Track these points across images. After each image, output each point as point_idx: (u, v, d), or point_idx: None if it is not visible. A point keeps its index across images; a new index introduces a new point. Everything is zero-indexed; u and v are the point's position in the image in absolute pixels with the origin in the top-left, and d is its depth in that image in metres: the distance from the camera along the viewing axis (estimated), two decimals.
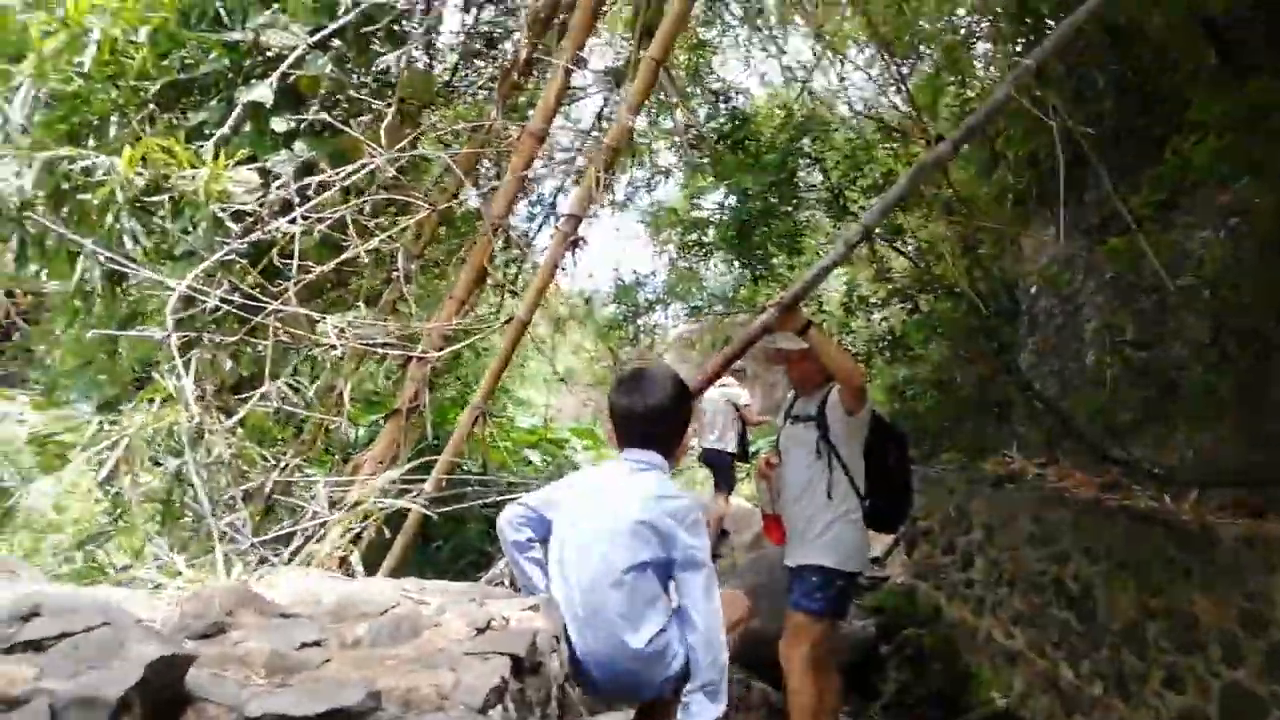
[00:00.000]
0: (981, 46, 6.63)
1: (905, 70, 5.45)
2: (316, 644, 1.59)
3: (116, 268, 3.92)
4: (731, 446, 9.05)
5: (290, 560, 3.87)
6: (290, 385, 4.12)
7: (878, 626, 7.36)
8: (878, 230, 5.24)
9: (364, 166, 3.68)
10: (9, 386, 8.43)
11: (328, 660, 1.47)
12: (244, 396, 4.07)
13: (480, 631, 1.76)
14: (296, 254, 3.53)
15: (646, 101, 6.37)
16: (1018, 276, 7.42)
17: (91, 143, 4.20)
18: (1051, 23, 5.24)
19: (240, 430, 4.09)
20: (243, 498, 3.76)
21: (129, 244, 3.97)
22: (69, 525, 6.32)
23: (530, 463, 8.24)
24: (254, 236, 3.59)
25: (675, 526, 2.59)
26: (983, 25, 6.45)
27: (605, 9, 4.80)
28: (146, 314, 4.36)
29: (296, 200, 3.61)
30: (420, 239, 4.30)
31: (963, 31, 6.42)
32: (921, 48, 6.38)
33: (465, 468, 3.93)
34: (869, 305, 5.90)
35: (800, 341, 3.99)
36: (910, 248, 5.66)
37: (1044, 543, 5.90)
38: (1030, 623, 5.96)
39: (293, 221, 3.72)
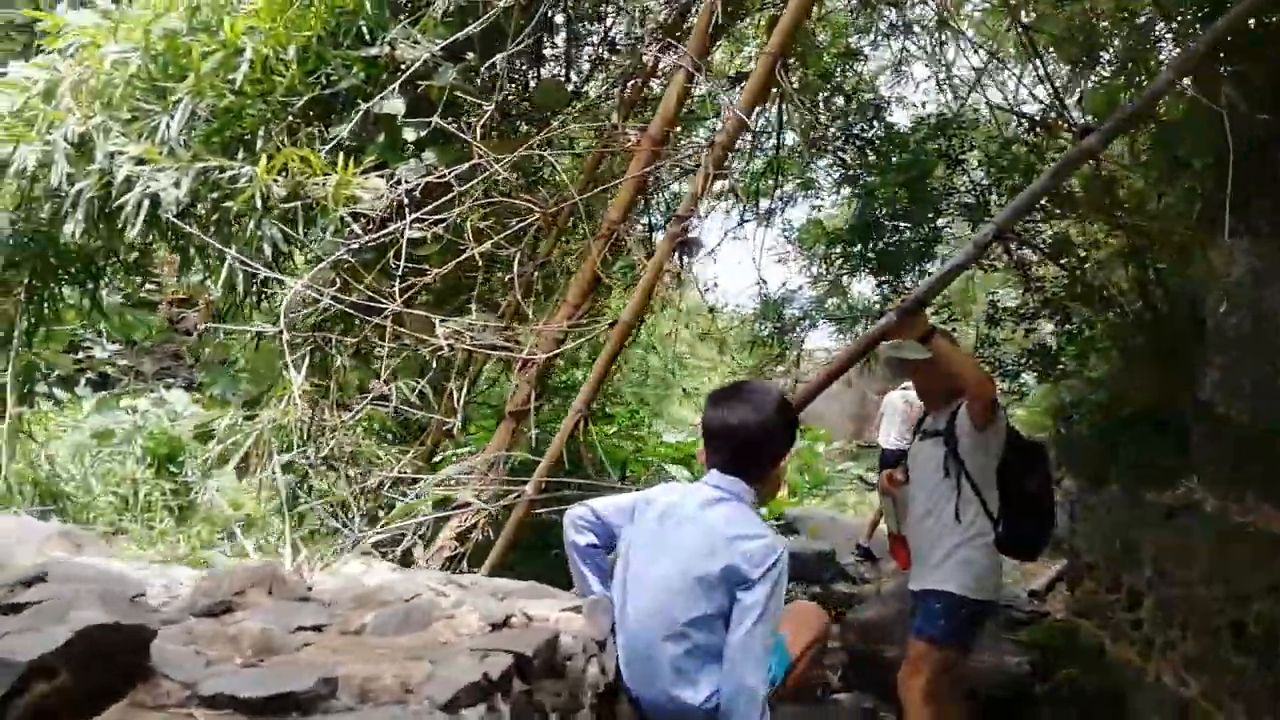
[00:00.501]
0: (1165, 51, 6.07)
1: (1051, 66, 4.99)
2: (316, 629, 1.55)
3: (256, 272, 4.11)
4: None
5: (399, 557, 3.93)
6: (408, 386, 4.20)
7: (1033, 664, 6.81)
8: (1028, 237, 4.86)
9: (475, 170, 3.71)
10: (193, 390, 9.10)
11: (307, 645, 1.42)
12: (369, 397, 4.18)
13: (496, 627, 1.67)
14: (404, 255, 3.59)
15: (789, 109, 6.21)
16: (1202, 290, 6.74)
17: (240, 155, 4.42)
18: None
19: (361, 429, 4.20)
20: (359, 494, 3.85)
21: (268, 250, 4.16)
22: (240, 517, 6.67)
23: (673, 476, 8.17)
24: (370, 239, 3.67)
25: (748, 570, 2.31)
26: (1163, 26, 5.91)
27: (735, 10, 4.70)
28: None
29: (408, 204, 3.67)
30: (539, 244, 4.31)
31: (1141, 31, 5.90)
32: (1099, 52, 5.89)
33: (576, 473, 3.87)
34: (1018, 316, 5.41)
35: (923, 350, 3.72)
36: (1068, 259, 5.18)
37: (1223, 581, 5.28)
38: (1205, 669, 5.34)
39: (409, 225, 3.78)
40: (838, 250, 6.27)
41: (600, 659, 2.06)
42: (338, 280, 3.69)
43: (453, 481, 3.97)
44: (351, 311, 3.72)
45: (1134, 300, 5.26)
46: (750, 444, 2.50)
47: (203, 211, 4.44)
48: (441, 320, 3.64)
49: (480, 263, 3.91)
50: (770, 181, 6.96)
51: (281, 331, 3.22)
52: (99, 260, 5.03)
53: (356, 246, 3.63)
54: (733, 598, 2.31)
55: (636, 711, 2.36)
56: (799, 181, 7.69)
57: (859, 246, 6.08)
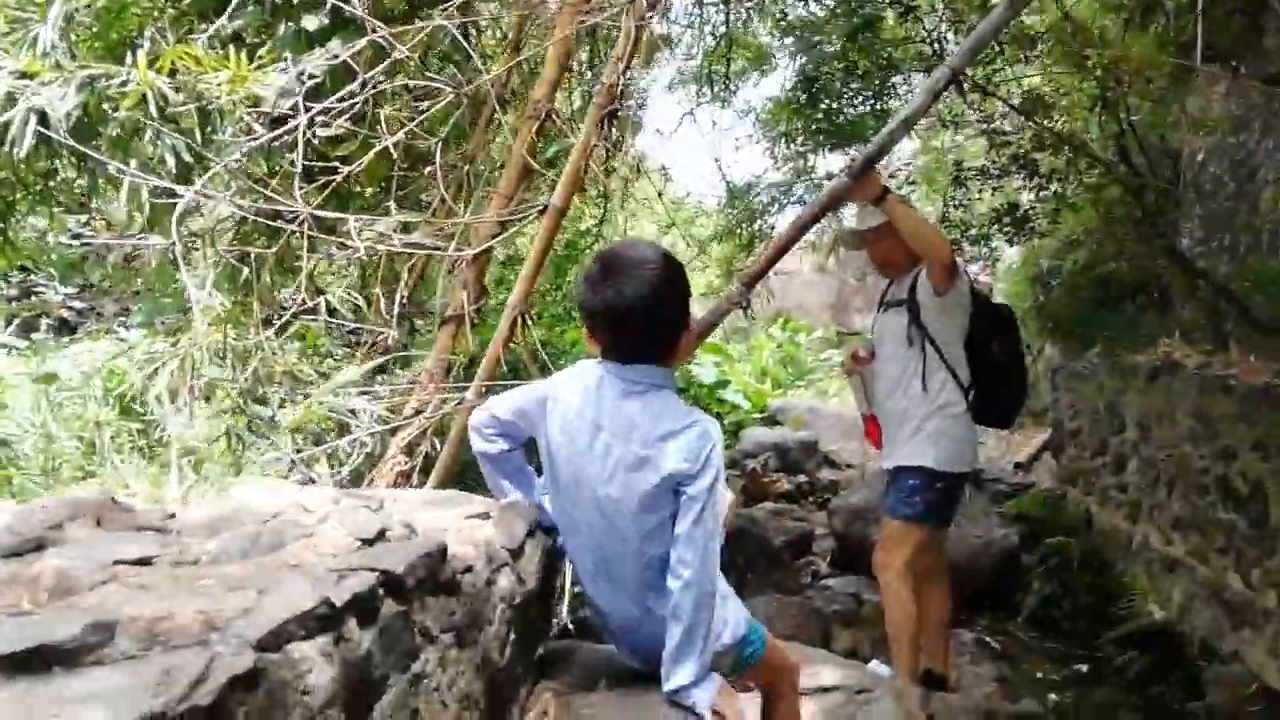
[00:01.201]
0: None
1: None
2: (142, 562, 1.29)
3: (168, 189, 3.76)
4: None
5: (349, 478, 3.69)
6: (339, 298, 3.90)
7: (1020, 536, 6.71)
8: (991, 88, 4.48)
9: (381, 54, 3.34)
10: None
11: (107, 582, 1.16)
12: (298, 310, 3.88)
13: (367, 543, 1.42)
14: (310, 154, 3.24)
15: None
16: (1178, 139, 6.42)
17: (131, 60, 4.02)
18: None
19: (301, 348, 3.92)
20: (289, 414, 3.58)
21: (170, 162, 3.80)
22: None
23: None
24: (268, 137, 3.32)
25: (687, 468, 2.01)
26: None
27: None
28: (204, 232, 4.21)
29: (305, 101, 3.30)
30: (465, 136, 3.96)
31: None
32: None
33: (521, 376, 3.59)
34: (984, 175, 5.05)
35: (879, 214, 3.44)
36: (1036, 109, 4.76)
37: (1207, 439, 5.11)
38: (1192, 527, 5.22)
39: (314, 119, 3.43)
40: (797, 126, 5.86)
41: (516, 568, 1.81)
42: (234, 186, 3.35)
43: (388, 393, 3.71)
44: (260, 219, 3.39)
45: (1108, 152, 4.94)
46: (650, 324, 2.08)
47: (100, 128, 4.06)
48: (356, 219, 3.31)
49: (396, 156, 3.57)
50: (722, 59, 6.53)
51: (174, 243, 2.89)
52: (4, 193, 4.65)
53: (252, 148, 3.28)
54: (677, 495, 2.03)
55: (606, 624, 2.16)
56: (752, 57, 7.24)
57: (810, 112, 5.66)
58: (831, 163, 7.11)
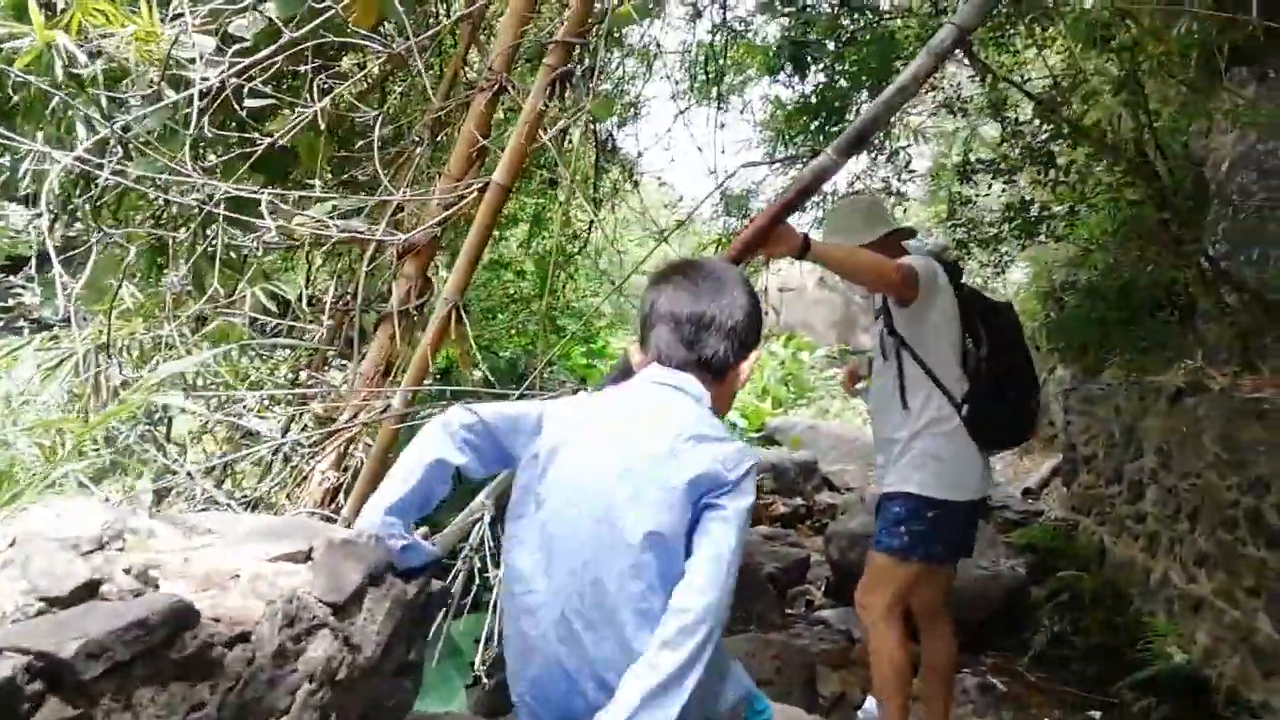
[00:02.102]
0: None
1: None
2: None
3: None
4: None
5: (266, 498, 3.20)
6: (266, 291, 3.42)
7: (1028, 568, 6.16)
8: (1004, 73, 3.97)
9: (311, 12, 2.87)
10: None
11: None
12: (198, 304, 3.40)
13: (54, 603, 0.93)
14: (195, 119, 2.76)
15: None
16: (1204, 149, 5.91)
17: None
18: None
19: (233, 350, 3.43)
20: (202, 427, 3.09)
21: (82, 133, 3.33)
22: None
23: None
24: (166, 103, 2.84)
25: (724, 473, 1.65)
26: None
27: None
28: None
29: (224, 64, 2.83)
30: (409, 110, 3.48)
31: None
32: None
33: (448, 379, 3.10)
34: (996, 170, 4.49)
35: (860, 230, 3.12)
36: (1054, 93, 4.21)
37: (1235, 467, 4.57)
38: (1218, 564, 4.67)
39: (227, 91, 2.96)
40: (810, 126, 5.32)
41: (342, 630, 1.30)
42: (125, 152, 2.86)
43: (322, 399, 3.22)
44: (164, 197, 2.91)
45: (1129, 151, 4.42)
46: (718, 333, 1.83)
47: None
48: (271, 196, 2.83)
49: (340, 133, 3.10)
50: (716, 60, 6.04)
51: (41, 214, 2.41)
52: None
53: (152, 112, 2.80)
54: (696, 515, 1.65)
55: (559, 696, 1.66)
56: (750, 53, 6.76)
57: (820, 121, 5.18)
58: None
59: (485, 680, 2.62)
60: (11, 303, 10.51)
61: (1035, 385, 3.33)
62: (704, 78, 6.76)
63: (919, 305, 3.15)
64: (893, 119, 4.54)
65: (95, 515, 1.35)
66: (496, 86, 3.25)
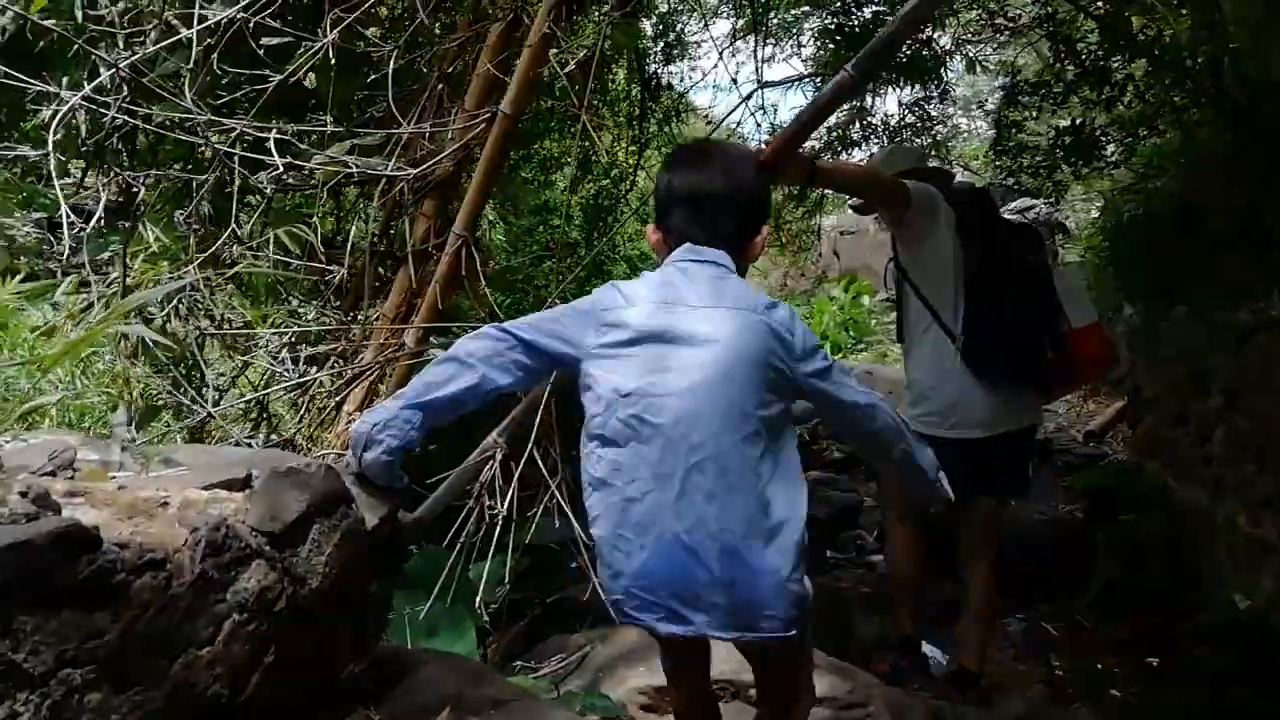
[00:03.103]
0: None
1: None
2: None
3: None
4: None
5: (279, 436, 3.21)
6: (294, 233, 3.39)
7: (1087, 511, 5.95)
8: None
9: None
10: None
11: None
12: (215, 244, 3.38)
13: None
14: (194, 57, 2.70)
15: None
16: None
17: None
18: None
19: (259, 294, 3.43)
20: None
21: (104, 75, 3.31)
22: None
23: None
24: (172, 40, 2.79)
25: (795, 340, 1.82)
26: None
27: None
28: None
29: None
30: (426, 45, 3.37)
31: None
32: None
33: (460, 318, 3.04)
34: (1046, 92, 4.13)
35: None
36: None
37: None
38: None
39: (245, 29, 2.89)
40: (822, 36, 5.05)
41: (282, 560, 1.24)
42: (148, 94, 2.81)
43: (347, 339, 3.20)
44: (171, 133, 2.88)
45: (1199, 75, 4.08)
46: (738, 209, 1.96)
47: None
48: (281, 135, 2.78)
49: (348, 65, 3.02)
50: None
51: (47, 154, 2.40)
52: None
53: (154, 52, 2.76)
54: (781, 390, 1.81)
55: (681, 569, 1.71)
56: None
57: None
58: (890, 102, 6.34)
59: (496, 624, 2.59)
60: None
61: (1050, 323, 3.10)
62: (750, 8, 6.51)
63: (916, 231, 3.07)
64: (938, 43, 4.31)
65: (58, 447, 1.32)
66: (511, 15, 3.14)
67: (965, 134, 10.51)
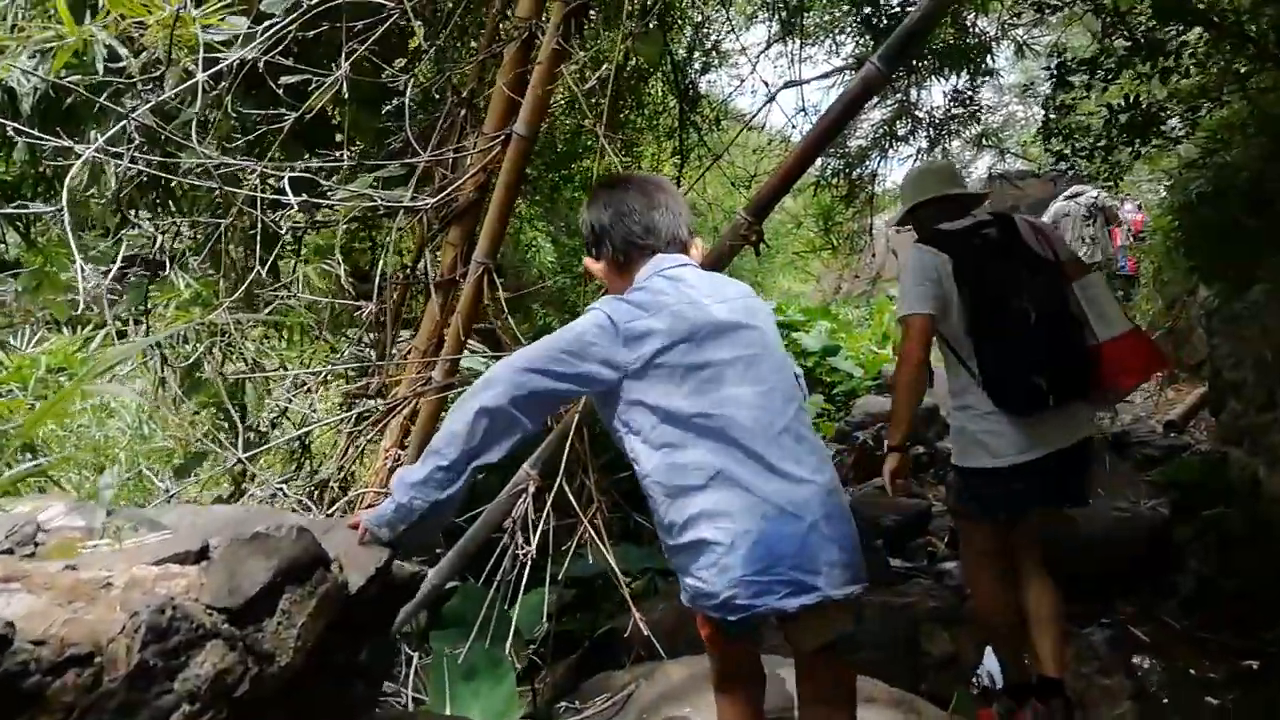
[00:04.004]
0: None
1: None
2: None
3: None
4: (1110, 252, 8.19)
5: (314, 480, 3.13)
6: (318, 271, 3.34)
7: (1172, 506, 5.59)
8: None
9: None
10: None
11: None
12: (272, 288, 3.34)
13: None
14: (205, 101, 2.64)
15: None
16: None
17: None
18: None
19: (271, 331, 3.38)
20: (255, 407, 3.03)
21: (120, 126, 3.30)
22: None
23: None
24: (185, 85, 2.74)
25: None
26: None
27: None
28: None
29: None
30: (442, 71, 3.29)
31: None
32: None
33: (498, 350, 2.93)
34: (1096, 68, 3.80)
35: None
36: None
37: None
38: None
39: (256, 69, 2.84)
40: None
41: (246, 638, 1.11)
42: (135, 139, 2.77)
43: (369, 376, 3.12)
44: (176, 178, 2.83)
45: (1261, 32, 3.75)
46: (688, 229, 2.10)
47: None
48: (294, 167, 2.71)
49: (368, 97, 2.97)
50: None
51: (61, 210, 2.35)
52: None
53: (171, 96, 2.71)
54: None
55: (790, 538, 1.78)
56: None
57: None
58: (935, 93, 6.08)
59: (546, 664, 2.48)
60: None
61: (1069, 342, 3.07)
62: (785, 10, 6.34)
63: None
64: (981, 29, 4.08)
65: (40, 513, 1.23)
66: (525, 34, 3.03)
67: (1022, 121, 10.12)
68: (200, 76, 2.93)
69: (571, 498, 2.50)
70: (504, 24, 3.39)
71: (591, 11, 2.69)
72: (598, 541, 2.48)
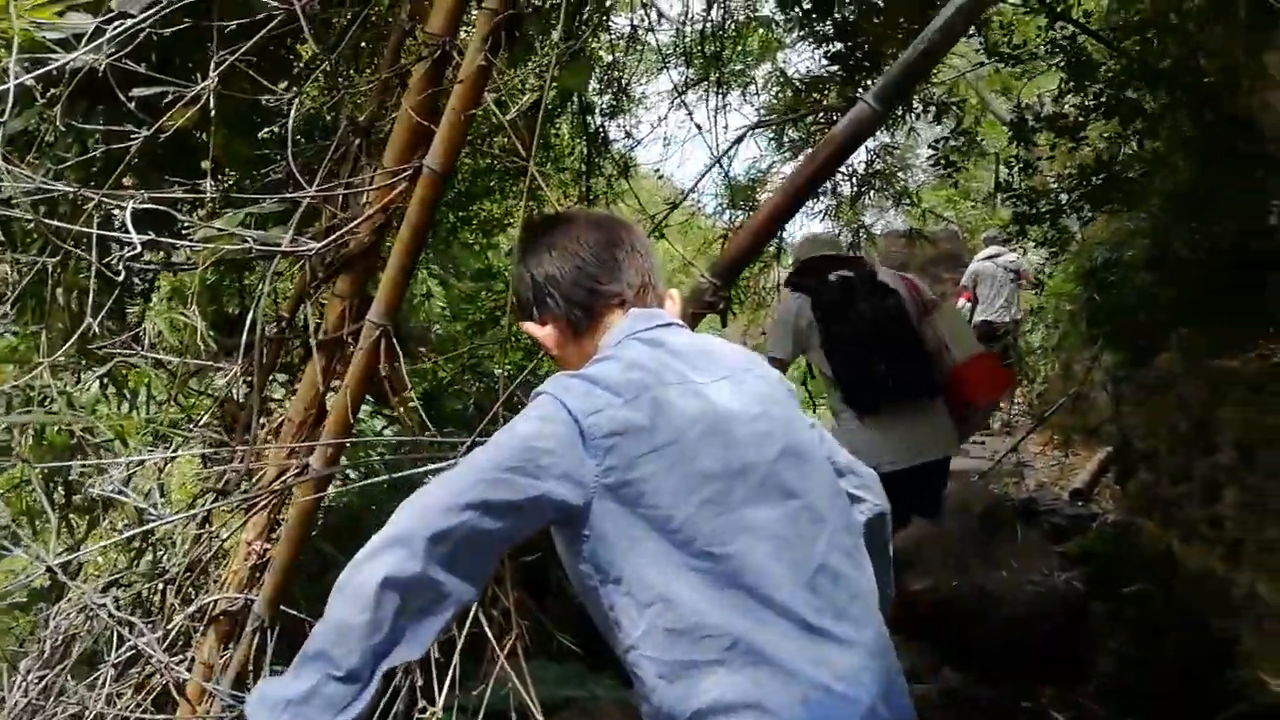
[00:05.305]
0: None
1: None
2: None
3: None
4: (1019, 315, 8.57)
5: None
6: (175, 322, 2.74)
7: (1086, 580, 5.41)
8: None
9: None
10: None
11: None
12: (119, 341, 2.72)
13: None
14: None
15: None
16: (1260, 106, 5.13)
17: None
18: None
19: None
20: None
21: None
22: None
23: None
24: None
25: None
26: None
27: None
28: None
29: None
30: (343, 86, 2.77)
31: None
32: None
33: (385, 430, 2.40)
34: (1059, 127, 3.68)
35: None
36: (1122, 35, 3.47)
37: None
38: None
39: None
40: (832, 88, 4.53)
41: None
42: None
43: (238, 453, 2.55)
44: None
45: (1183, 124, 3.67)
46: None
47: None
48: (141, 197, 2.15)
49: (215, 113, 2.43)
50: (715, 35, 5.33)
51: None
52: None
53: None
54: None
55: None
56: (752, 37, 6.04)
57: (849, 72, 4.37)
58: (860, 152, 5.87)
59: None
60: None
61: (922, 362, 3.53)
62: (702, 58, 6.05)
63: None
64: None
65: None
66: (438, 53, 2.55)
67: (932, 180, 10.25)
68: (23, 79, 2.34)
69: (485, 621, 1.99)
70: (410, 41, 2.90)
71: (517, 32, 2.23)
72: (513, 677, 1.98)
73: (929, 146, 4.46)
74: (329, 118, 2.82)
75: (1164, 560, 5.17)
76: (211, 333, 2.63)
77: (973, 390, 3.59)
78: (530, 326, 1.51)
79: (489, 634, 1.89)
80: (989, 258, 8.41)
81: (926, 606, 5.12)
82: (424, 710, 1.71)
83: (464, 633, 1.79)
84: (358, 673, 1.11)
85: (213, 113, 2.34)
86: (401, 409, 2.21)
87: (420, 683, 1.89)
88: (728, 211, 6.40)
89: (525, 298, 1.52)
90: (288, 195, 2.26)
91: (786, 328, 3.65)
